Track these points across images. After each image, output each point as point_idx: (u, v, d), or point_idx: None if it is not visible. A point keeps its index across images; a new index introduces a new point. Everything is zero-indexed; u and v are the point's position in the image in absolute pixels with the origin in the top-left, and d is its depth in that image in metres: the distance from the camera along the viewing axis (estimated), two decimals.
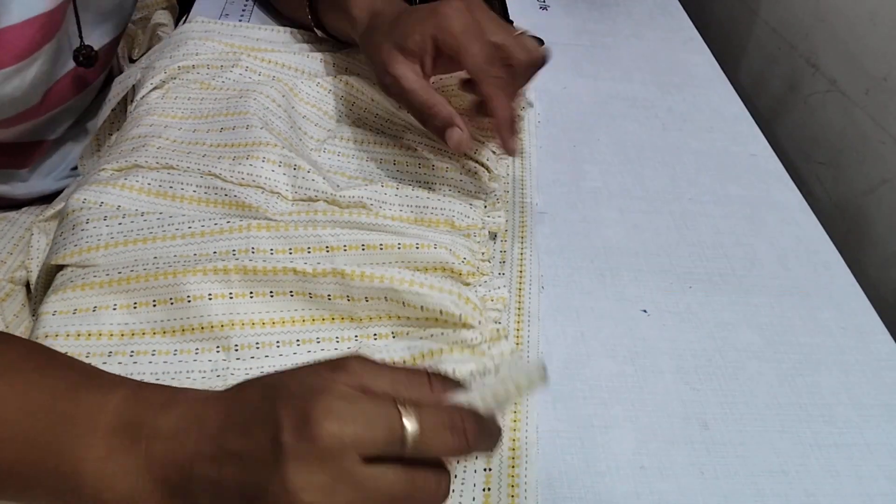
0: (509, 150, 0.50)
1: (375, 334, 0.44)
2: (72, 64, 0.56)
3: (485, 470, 0.39)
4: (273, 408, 0.28)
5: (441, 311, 0.43)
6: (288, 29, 0.68)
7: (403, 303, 0.43)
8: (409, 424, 0.28)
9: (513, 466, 0.40)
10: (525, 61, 0.49)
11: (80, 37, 0.54)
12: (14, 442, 0.30)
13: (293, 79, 0.60)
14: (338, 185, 0.51)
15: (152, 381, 0.40)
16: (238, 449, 0.28)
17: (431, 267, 0.46)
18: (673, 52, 0.78)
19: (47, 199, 0.61)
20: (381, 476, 0.28)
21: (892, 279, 0.66)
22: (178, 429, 0.30)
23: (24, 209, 0.59)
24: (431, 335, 0.44)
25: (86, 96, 0.60)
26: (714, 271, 0.53)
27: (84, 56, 0.54)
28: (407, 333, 0.44)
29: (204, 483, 0.29)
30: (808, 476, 0.42)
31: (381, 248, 0.46)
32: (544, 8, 0.83)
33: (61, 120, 0.59)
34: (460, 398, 0.31)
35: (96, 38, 0.56)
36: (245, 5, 0.74)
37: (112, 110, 0.60)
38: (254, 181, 0.50)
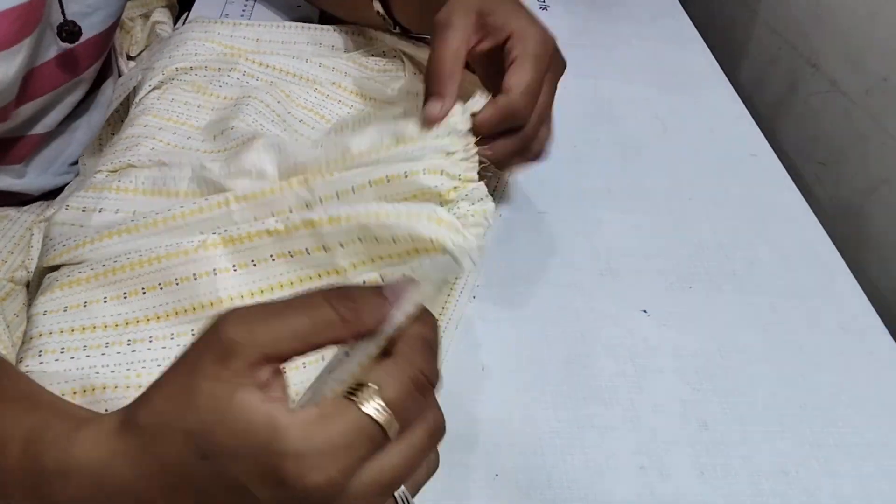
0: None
1: (364, 281, 0.43)
2: (54, 51, 0.55)
3: None
4: (234, 481, 0.25)
5: (411, 238, 0.41)
6: (290, 26, 0.67)
7: (377, 239, 0.42)
8: (384, 420, 0.26)
9: None
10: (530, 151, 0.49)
11: (63, 13, 0.53)
12: None
13: (290, 84, 0.60)
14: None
15: (154, 367, 0.41)
16: None
17: (410, 195, 0.43)
18: (673, 53, 0.78)
19: (50, 194, 0.61)
20: (379, 475, 0.26)
21: (892, 279, 0.66)
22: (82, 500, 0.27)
23: (25, 208, 0.59)
24: (412, 269, 0.41)
25: (74, 88, 0.60)
26: (714, 271, 0.53)
27: (67, 32, 0.53)
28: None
29: None
30: (808, 476, 0.42)
31: (354, 192, 0.43)
32: (544, 8, 0.83)
33: (49, 112, 0.59)
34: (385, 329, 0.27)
35: (84, 29, 0.56)
36: (245, 5, 0.74)
37: (115, 112, 0.60)
38: (239, 170, 0.50)
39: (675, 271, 0.53)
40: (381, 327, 0.27)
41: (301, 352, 0.27)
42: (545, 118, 0.50)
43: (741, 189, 0.61)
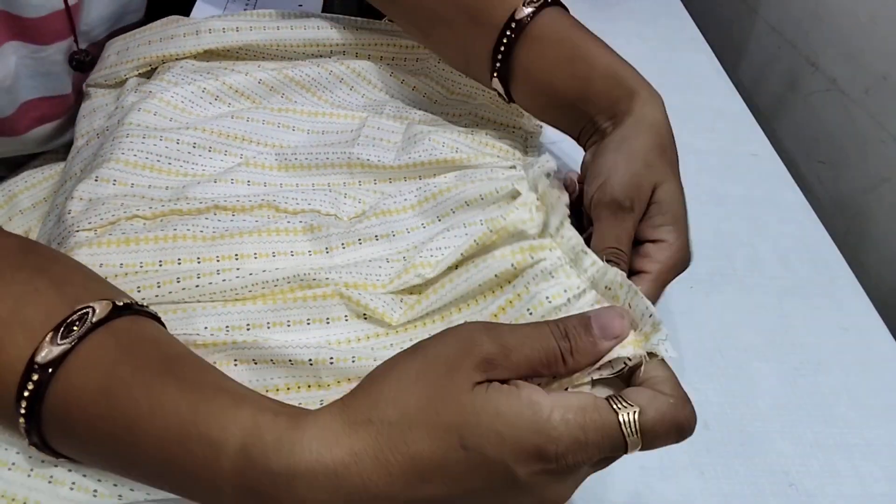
0: None
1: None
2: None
3: None
4: (494, 463, 0.27)
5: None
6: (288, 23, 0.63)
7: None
8: (630, 440, 0.28)
9: None
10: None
11: (76, 40, 0.53)
12: (155, 455, 0.28)
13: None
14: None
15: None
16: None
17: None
18: (674, 52, 0.78)
19: None
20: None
21: (893, 279, 0.66)
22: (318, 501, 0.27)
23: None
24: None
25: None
26: (714, 271, 0.53)
27: (77, 61, 0.52)
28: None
29: None
30: (808, 476, 0.42)
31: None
32: None
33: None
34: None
35: None
36: (247, 4, 0.74)
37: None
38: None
39: None
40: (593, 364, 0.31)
41: (522, 377, 0.30)
42: None
43: (742, 188, 0.61)
